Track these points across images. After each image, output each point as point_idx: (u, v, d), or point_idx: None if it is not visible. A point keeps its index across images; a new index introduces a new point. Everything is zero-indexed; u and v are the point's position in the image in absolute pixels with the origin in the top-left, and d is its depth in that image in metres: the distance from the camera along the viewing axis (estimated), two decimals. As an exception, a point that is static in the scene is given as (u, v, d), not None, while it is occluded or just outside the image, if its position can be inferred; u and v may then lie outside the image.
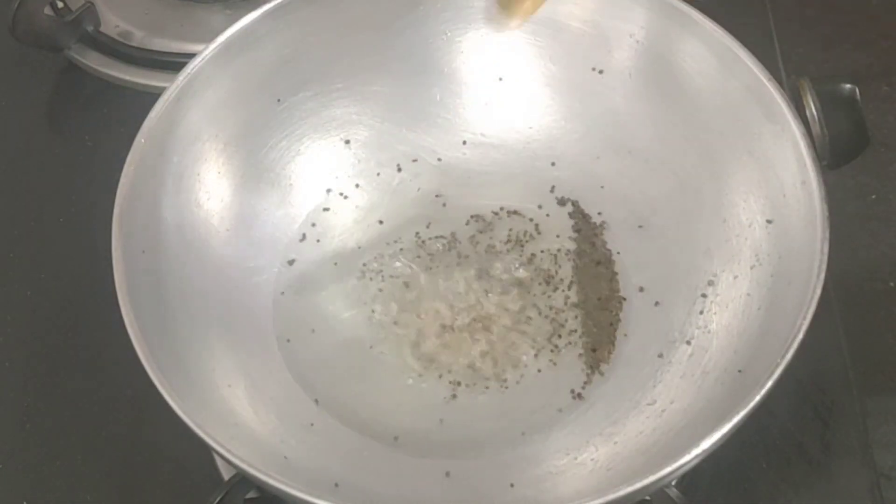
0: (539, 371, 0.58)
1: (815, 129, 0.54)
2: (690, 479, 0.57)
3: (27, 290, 0.69)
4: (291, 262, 0.62)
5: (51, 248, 0.70)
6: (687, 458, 0.45)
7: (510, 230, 0.63)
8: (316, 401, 0.57)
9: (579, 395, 0.57)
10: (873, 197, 0.70)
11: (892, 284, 0.66)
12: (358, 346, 0.59)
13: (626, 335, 0.58)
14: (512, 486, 0.53)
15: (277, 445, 0.53)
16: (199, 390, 0.52)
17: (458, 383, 0.57)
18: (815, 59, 0.77)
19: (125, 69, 0.76)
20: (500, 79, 0.65)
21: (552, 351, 0.58)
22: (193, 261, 0.58)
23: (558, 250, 0.62)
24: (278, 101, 0.63)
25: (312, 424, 0.56)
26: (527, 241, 0.62)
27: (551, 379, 0.57)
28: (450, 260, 0.62)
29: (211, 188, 0.60)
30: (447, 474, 0.54)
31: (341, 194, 0.65)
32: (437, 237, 0.63)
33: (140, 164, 0.55)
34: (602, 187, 0.63)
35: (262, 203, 0.63)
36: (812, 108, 0.55)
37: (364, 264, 0.62)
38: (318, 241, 0.63)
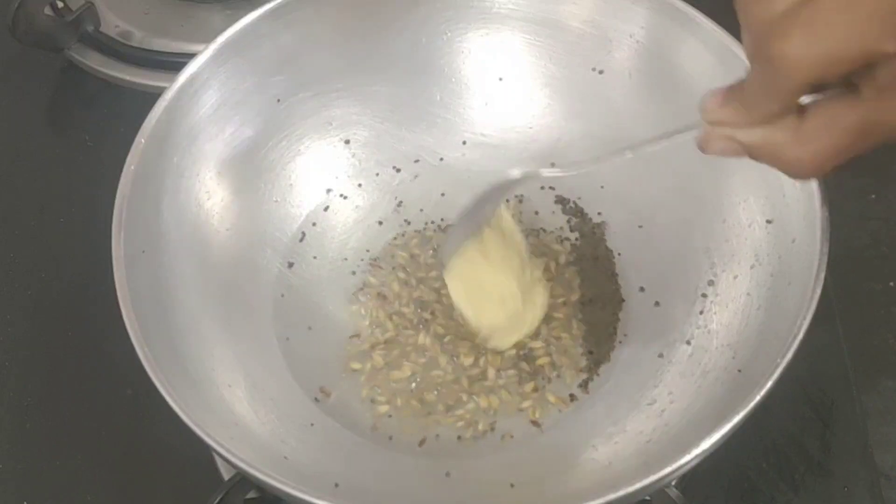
0: (539, 371, 0.58)
1: (816, 129, 0.54)
2: (690, 479, 0.57)
3: (27, 290, 0.69)
4: (291, 263, 0.62)
5: (51, 248, 0.70)
6: (687, 458, 0.45)
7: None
8: (315, 399, 0.57)
9: (580, 396, 0.57)
10: (873, 197, 0.70)
11: (891, 284, 0.66)
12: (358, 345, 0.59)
13: (626, 335, 0.58)
14: (512, 486, 0.53)
15: (277, 445, 0.53)
16: (199, 390, 0.52)
17: (458, 381, 0.58)
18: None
19: (125, 69, 0.77)
20: (501, 79, 0.65)
21: (552, 351, 0.58)
22: (193, 261, 0.58)
23: (558, 250, 0.62)
24: (278, 101, 0.63)
25: (312, 424, 0.56)
26: (527, 241, 0.62)
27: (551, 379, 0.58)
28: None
29: (211, 188, 0.60)
30: (447, 474, 0.54)
31: (341, 194, 0.65)
32: (437, 236, 0.63)
33: (140, 164, 0.55)
34: (602, 187, 0.63)
35: (262, 203, 0.63)
36: (812, 108, 0.55)
37: (364, 264, 0.62)
38: (319, 241, 0.63)
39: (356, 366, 0.59)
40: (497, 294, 0.56)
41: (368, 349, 0.59)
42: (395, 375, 0.58)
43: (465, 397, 0.57)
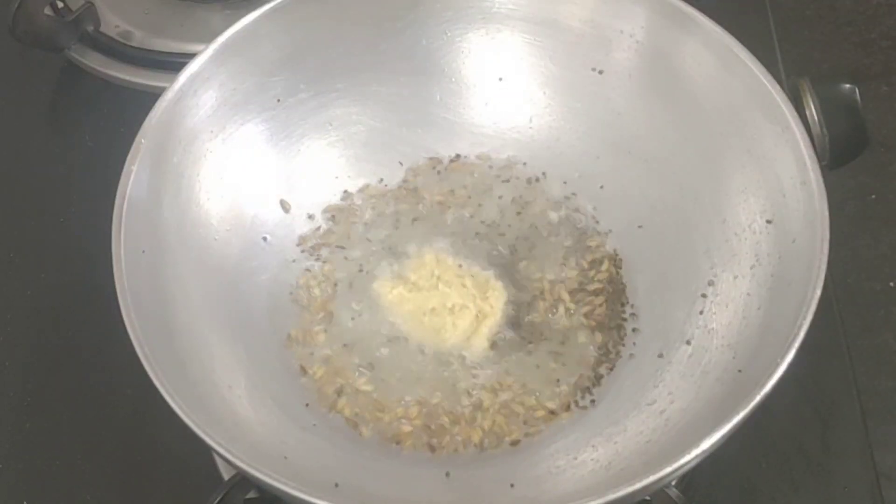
0: (539, 370, 0.58)
1: (815, 129, 0.54)
2: (690, 479, 0.57)
3: (27, 290, 0.69)
4: (291, 262, 0.62)
5: (51, 248, 0.70)
6: (687, 458, 0.45)
7: (510, 230, 0.63)
8: (306, 405, 0.57)
9: (580, 396, 0.57)
10: (873, 197, 0.70)
11: (891, 284, 0.66)
12: (359, 345, 0.59)
13: (627, 335, 0.58)
14: (512, 486, 0.53)
15: (277, 445, 0.53)
16: (199, 390, 0.52)
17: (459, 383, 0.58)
18: (815, 59, 0.77)
19: (125, 69, 0.77)
20: (500, 79, 0.65)
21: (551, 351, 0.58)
22: (193, 261, 0.58)
23: (558, 250, 0.62)
24: (278, 101, 0.63)
25: (314, 424, 0.56)
26: (527, 241, 0.62)
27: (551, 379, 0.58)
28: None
29: (211, 188, 0.60)
30: (447, 474, 0.54)
31: (341, 194, 0.65)
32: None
33: (140, 164, 0.55)
34: (602, 187, 0.63)
35: (262, 203, 0.62)
36: (812, 108, 0.55)
37: (364, 264, 0.62)
38: (318, 241, 0.63)
39: (358, 369, 0.59)
40: (442, 308, 0.59)
41: (370, 348, 0.59)
42: (397, 381, 0.58)
43: (465, 402, 0.57)
